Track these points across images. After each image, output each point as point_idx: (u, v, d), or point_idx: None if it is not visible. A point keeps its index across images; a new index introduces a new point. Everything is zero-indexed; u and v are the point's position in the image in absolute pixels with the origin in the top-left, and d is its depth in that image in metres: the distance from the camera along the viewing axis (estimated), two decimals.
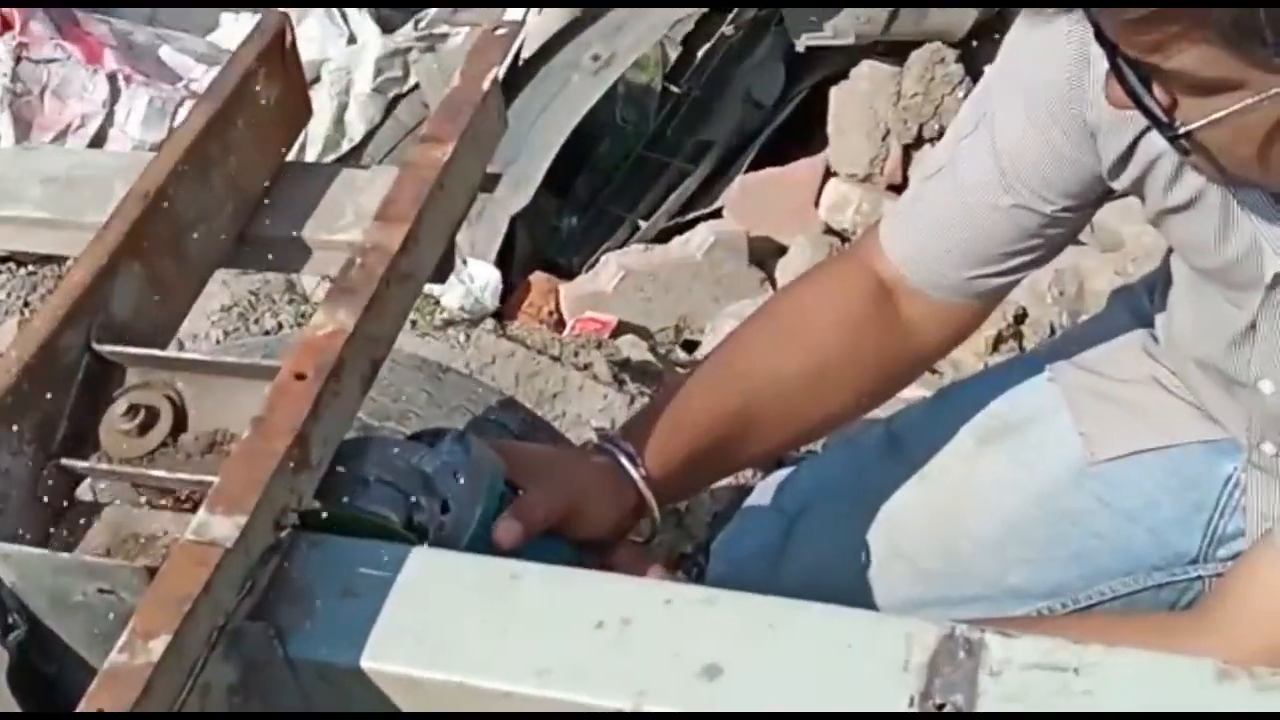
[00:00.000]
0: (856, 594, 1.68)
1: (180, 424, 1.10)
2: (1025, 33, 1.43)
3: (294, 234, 1.26)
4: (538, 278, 3.94)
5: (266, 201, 1.28)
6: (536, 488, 1.31)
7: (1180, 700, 0.89)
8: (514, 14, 3.82)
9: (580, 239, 4.25)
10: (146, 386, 1.11)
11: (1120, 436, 1.64)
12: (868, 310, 1.55)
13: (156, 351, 1.13)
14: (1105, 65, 1.15)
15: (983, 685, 0.90)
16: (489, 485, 1.21)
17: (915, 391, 1.91)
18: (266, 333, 3.42)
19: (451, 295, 3.65)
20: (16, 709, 0.97)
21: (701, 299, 3.84)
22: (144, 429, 1.08)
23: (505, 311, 3.78)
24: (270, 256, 1.29)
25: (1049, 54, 1.37)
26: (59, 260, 3.62)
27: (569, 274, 4.08)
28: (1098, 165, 1.42)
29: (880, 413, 1.72)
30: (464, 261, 3.56)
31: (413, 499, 1.12)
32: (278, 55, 1.28)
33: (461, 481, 1.17)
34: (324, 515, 1.02)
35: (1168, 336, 1.64)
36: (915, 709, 0.89)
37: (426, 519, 1.12)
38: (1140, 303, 1.70)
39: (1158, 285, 1.65)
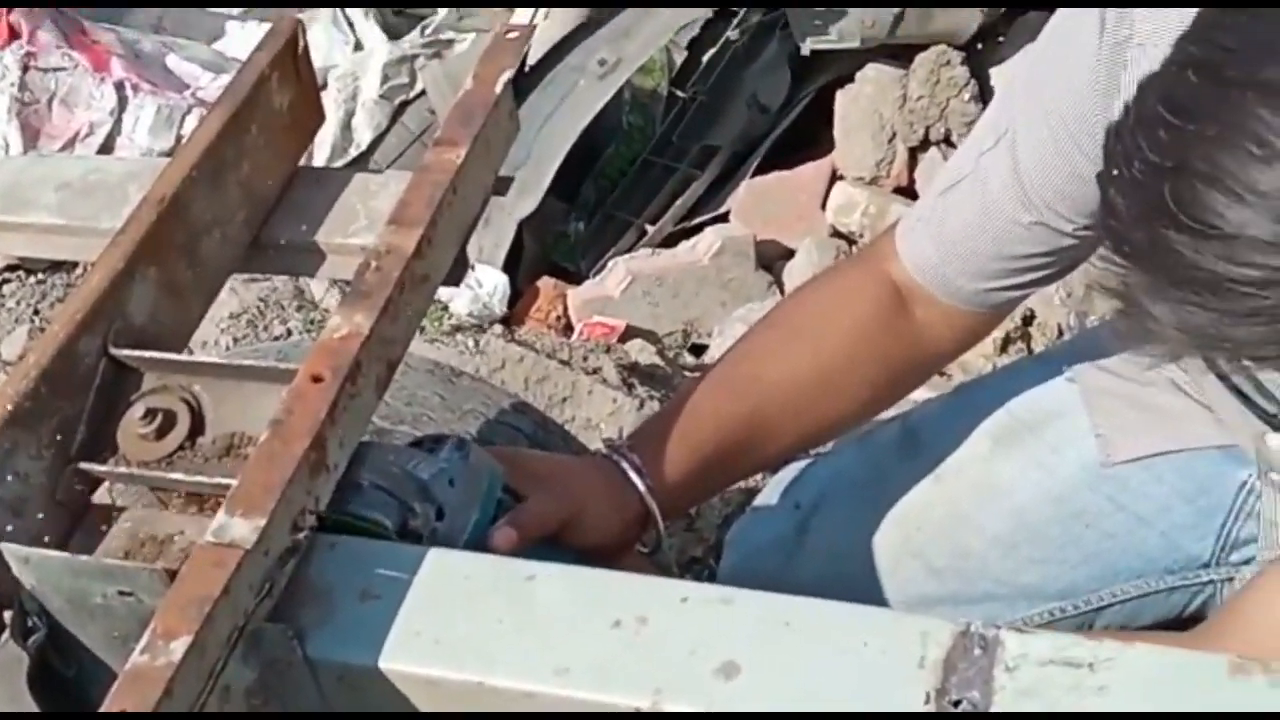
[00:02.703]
0: (869, 589, 1.68)
1: (198, 427, 1.10)
2: (1048, 50, 1.41)
3: (308, 238, 1.26)
4: (545, 283, 3.94)
5: (280, 206, 1.28)
6: (536, 495, 1.32)
7: (1194, 696, 0.89)
8: (521, 15, 3.83)
9: (587, 244, 4.26)
10: (164, 390, 1.11)
11: (1136, 439, 1.64)
12: (879, 314, 1.54)
13: (174, 355, 1.13)
14: (1134, 94, 1.11)
15: (998, 681, 0.90)
16: (485, 492, 1.21)
17: (924, 393, 1.91)
18: (276, 339, 3.43)
19: (460, 301, 3.66)
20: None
21: (709, 303, 3.84)
22: (161, 432, 1.09)
23: (513, 317, 3.78)
24: (284, 261, 1.29)
25: (1075, 77, 1.35)
26: (69, 268, 3.64)
27: (577, 279, 4.08)
28: None
29: (894, 409, 1.73)
30: (472, 267, 3.57)
31: (407, 505, 1.11)
32: (290, 60, 1.28)
33: (456, 488, 1.17)
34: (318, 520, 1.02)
35: None
36: (931, 706, 0.90)
37: (421, 525, 1.12)
38: None
39: None
